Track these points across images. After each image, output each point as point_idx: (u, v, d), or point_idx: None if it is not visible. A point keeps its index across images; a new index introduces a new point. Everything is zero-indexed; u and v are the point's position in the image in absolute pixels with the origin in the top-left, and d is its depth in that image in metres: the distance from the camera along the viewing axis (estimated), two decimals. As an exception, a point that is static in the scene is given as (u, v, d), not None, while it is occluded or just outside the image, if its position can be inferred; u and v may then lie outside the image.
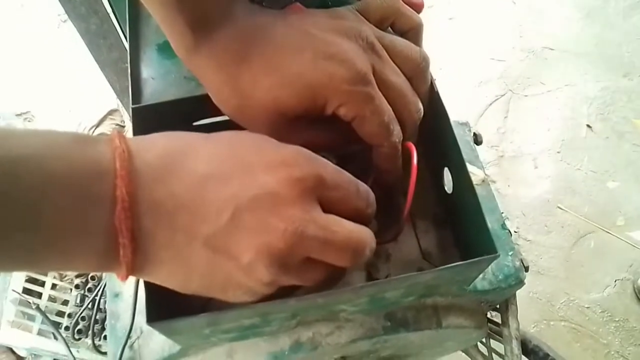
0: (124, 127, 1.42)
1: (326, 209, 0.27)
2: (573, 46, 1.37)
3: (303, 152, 0.28)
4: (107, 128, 1.36)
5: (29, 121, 1.32)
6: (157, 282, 0.27)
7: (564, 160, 1.22)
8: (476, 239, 0.34)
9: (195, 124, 0.40)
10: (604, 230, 1.13)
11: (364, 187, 0.30)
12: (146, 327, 0.39)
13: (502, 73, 1.32)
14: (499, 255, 0.31)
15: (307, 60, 0.31)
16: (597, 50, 1.37)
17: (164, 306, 0.30)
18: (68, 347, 0.69)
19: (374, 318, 0.38)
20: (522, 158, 1.21)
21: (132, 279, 0.37)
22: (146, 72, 0.40)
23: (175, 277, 0.26)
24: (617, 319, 1.07)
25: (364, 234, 0.28)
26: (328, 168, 0.28)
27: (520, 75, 1.32)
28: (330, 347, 0.37)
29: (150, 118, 0.36)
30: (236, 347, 0.37)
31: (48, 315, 0.78)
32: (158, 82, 0.40)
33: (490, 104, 1.27)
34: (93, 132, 1.32)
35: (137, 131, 0.35)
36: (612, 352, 1.04)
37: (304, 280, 0.28)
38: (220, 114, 0.37)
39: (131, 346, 0.39)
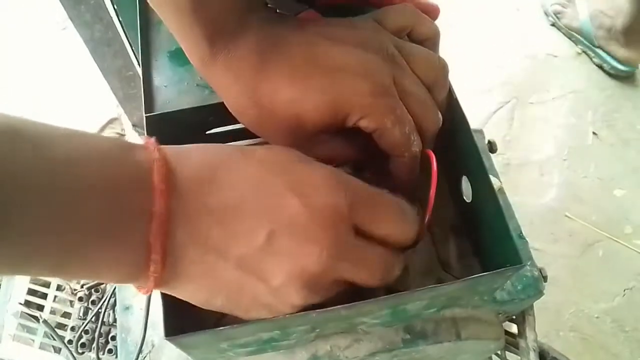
0: (124, 135, 1.41)
1: (360, 230, 0.27)
2: (577, 53, 1.37)
3: (337, 174, 0.28)
4: (108, 137, 1.35)
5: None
6: (180, 297, 0.26)
7: (570, 167, 1.21)
8: (498, 249, 0.33)
9: (208, 132, 0.39)
10: (612, 238, 1.12)
11: (406, 206, 0.30)
12: (158, 341, 0.38)
13: (507, 80, 1.31)
14: (524, 265, 0.30)
15: (328, 72, 0.30)
16: (601, 57, 1.37)
17: (179, 320, 0.29)
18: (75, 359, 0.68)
19: (392, 330, 0.37)
20: (528, 166, 1.20)
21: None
22: (158, 79, 0.40)
23: (200, 293, 0.26)
24: (627, 329, 1.05)
25: (393, 254, 0.28)
26: (364, 190, 0.28)
27: (524, 82, 1.31)
28: (348, 360, 0.36)
29: (163, 127, 0.36)
30: (252, 361, 0.36)
31: (47, 328, 0.77)
32: (170, 90, 0.39)
33: (495, 112, 1.26)
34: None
35: (150, 140, 0.34)
36: (622, 363, 1.02)
37: (329, 298, 0.27)
38: (234, 122, 0.37)
39: (142, 361, 0.38)
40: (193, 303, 0.27)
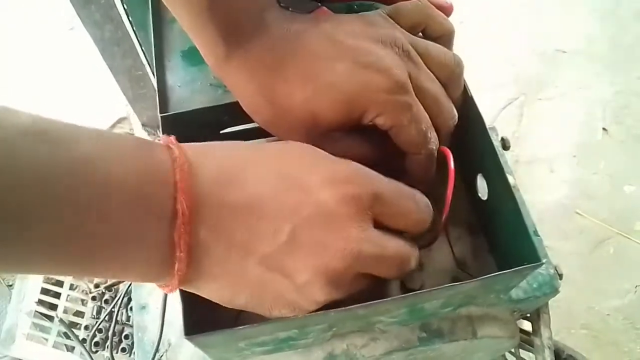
0: (133, 135, 1.41)
1: (378, 223, 0.27)
2: (586, 49, 1.36)
3: (357, 168, 0.28)
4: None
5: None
6: (204, 295, 0.26)
7: (580, 164, 1.20)
8: (514, 247, 0.33)
9: (222, 132, 0.39)
10: (623, 235, 1.11)
11: (421, 196, 0.30)
12: (175, 340, 0.38)
13: (515, 77, 1.31)
14: (543, 263, 0.30)
15: (343, 70, 0.30)
16: (610, 52, 1.36)
17: (196, 319, 0.29)
18: (92, 358, 0.68)
19: (409, 329, 0.37)
20: (537, 163, 1.20)
21: (161, 291, 0.36)
22: (171, 79, 0.40)
23: (224, 292, 0.26)
24: (638, 327, 1.05)
25: (410, 247, 0.29)
26: (384, 183, 0.28)
27: (533, 78, 1.31)
28: (364, 359, 0.36)
29: (177, 126, 0.36)
30: (268, 360, 0.36)
31: (63, 327, 0.77)
32: (184, 90, 0.39)
33: (504, 108, 1.26)
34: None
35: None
36: (634, 360, 1.02)
37: (351, 294, 0.27)
38: (248, 121, 0.36)
39: (159, 359, 0.38)
40: (216, 301, 0.27)
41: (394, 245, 0.28)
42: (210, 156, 0.26)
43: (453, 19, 0.36)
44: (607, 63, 1.34)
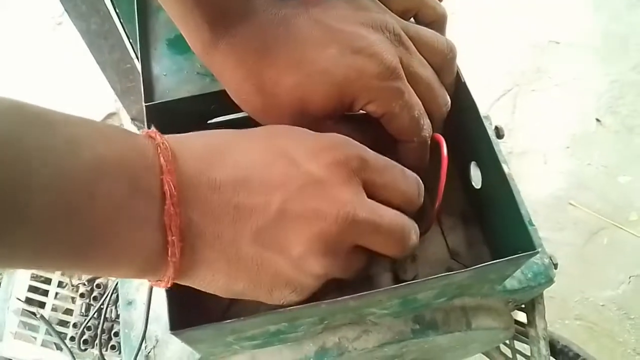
0: (123, 130, 1.40)
1: (370, 195, 0.27)
2: (579, 39, 1.36)
3: (342, 137, 0.28)
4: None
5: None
6: (199, 287, 0.26)
7: (574, 155, 1.20)
8: (509, 236, 0.32)
9: (210, 121, 0.38)
10: (617, 226, 1.11)
11: (410, 172, 0.29)
12: (162, 336, 0.37)
13: (508, 68, 1.30)
14: (538, 252, 0.29)
15: (333, 56, 0.29)
16: (603, 43, 1.36)
17: (184, 314, 0.28)
18: (74, 358, 0.67)
19: (402, 321, 0.36)
20: (531, 154, 1.19)
21: (145, 288, 0.35)
22: (157, 68, 0.39)
23: (220, 279, 0.25)
24: (632, 317, 1.05)
25: (407, 219, 0.28)
26: (369, 152, 0.28)
27: (526, 69, 1.30)
28: (357, 352, 0.35)
29: (163, 116, 0.35)
30: (259, 355, 0.35)
31: (52, 325, 0.76)
32: (170, 79, 0.38)
33: (497, 99, 1.25)
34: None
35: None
36: (629, 351, 1.02)
37: (349, 272, 0.27)
38: (236, 111, 0.36)
39: (147, 356, 0.37)
40: (213, 292, 0.26)
41: (390, 215, 0.27)
42: (191, 142, 0.26)
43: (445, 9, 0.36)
44: (600, 54, 1.33)
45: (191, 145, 0.25)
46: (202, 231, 0.24)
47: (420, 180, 0.30)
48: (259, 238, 0.24)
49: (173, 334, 0.26)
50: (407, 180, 0.29)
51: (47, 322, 0.72)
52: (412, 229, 0.28)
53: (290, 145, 0.26)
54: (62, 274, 0.80)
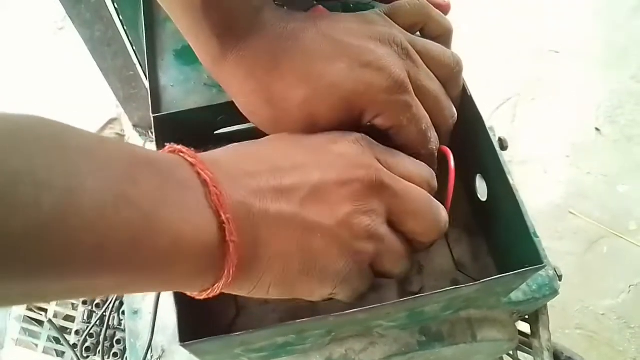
0: (124, 136, 1.40)
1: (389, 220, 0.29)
2: (579, 49, 1.37)
3: (352, 132, 0.30)
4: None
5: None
6: (254, 286, 0.26)
7: (573, 164, 1.20)
8: (515, 248, 0.33)
9: (216, 132, 0.38)
10: (616, 235, 1.12)
11: (435, 203, 0.31)
12: (168, 346, 0.37)
13: (508, 77, 1.31)
14: (545, 266, 0.29)
15: (342, 69, 0.29)
16: (603, 52, 1.36)
17: (191, 325, 0.28)
18: (78, 364, 0.67)
19: (408, 333, 0.36)
20: (531, 163, 1.20)
21: (153, 297, 0.35)
22: (164, 79, 0.39)
23: (276, 264, 0.26)
24: (632, 326, 1.05)
25: (410, 252, 0.30)
26: (397, 182, 0.29)
27: (526, 78, 1.31)
28: (363, 364, 0.35)
29: (170, 127, 0.35)
30: (265, 366, 0.35)
31: (53, 332, 0.76)
32: (177, 90, 0.38)
33: (497, 108, 1.26)
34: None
35: (159, 140, 0.34)
36: (629, 360, 1.02)
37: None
38: (243, 122, 0.36)
39: (152, 366, 0.37)
40: (267, 286, 0.26)
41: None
42: (217, 154, 0.28)
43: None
44: (600, 63, 1.34)
45: (218, 160, 0.26)
46: (249, 210, 0.24)
47: (444, 212, 0.31)
48: (304, 209, 0.26)
49: (182, 345, 0.26)
50: (433, 215, 0.30)
51: (56, 328, 0.71)
52: (410, 258, 0.30)
53: (308, 140, 0.29)
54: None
